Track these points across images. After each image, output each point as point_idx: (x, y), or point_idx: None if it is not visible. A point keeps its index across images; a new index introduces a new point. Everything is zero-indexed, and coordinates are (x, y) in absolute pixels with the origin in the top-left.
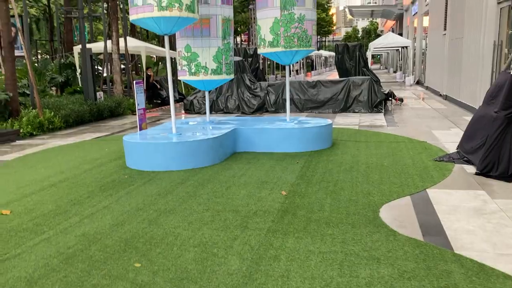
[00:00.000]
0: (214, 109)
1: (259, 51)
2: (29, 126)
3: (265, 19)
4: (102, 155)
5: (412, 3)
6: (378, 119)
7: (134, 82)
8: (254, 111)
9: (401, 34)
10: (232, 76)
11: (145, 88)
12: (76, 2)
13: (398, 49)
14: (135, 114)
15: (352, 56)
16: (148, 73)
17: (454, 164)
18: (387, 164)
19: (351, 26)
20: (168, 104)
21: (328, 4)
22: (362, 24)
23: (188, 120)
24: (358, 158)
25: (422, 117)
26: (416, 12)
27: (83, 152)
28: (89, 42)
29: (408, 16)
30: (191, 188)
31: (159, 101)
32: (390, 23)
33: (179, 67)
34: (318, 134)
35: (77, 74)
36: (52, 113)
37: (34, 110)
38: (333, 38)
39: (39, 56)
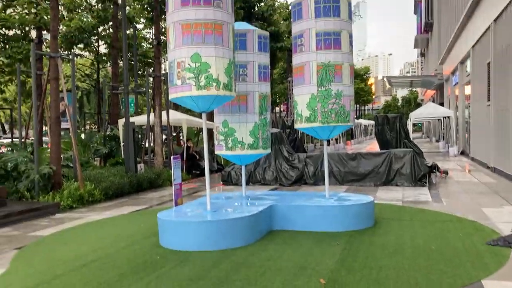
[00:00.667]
0: (251, 180)
1: (296, 126)
2: (70, 199)
3: (302, 95)
4: (137, 231)
5: (452, 73)
6: (422, 193)
7: (172, 157)
8: (292, 183)
9: (442, 104)
10: (268, 151)
11: (185, 158)
12: (123, 78)
13: (439, 118)
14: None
15: (392, 127)
16: (188, 145)
17: (511, 250)
18: (435, 247)
19: (390, 95)
20: None
21: (367, 75)
22: (401, 93)
23: (224, 194)
24: (403, 239)
25: (470, 192)
26: (457, 82)
27: (118, 228)
28: (135, 114)
29: (448, 86)
30: (224, 273)
31: (198, 172)
32: (431, 92)
33: (216, 142)
34: (359, 213)
35: (121, 145)
36: (93, 185)
37: (75, 183)
38: (372, 107)
39: (87, 127)
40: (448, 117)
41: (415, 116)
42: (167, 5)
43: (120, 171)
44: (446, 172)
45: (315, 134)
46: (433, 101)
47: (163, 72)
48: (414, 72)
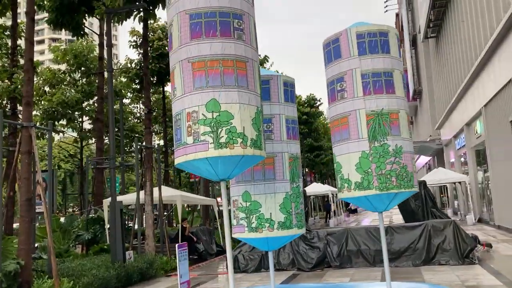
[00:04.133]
0: (263, 266)
1: (341, 195)
2: None
3: (348, 154)
4: None
5: (455, 137)
6: (480, 274)
7: (177, 246)
8: (314, 267)
9: None
10: (304, 230)
11: (180, 241)
12: (108, 153)
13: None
14: (169, 276)
15: (417, 195)
16: (184, 225)
17: None
18: None
19: None
20: (206, 259)
21: None
22: None
23: None
24: None
25: None
26: (464, 145)
27: None
28: (121, 193)
29: (450, 151)
30: None
31: (196, 256)
32: (425, 158)
33: (234, 221)
34: None
35: (106, 229)
36: (71, 282)
37: (49, 280)
38: None
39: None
40: (460, 182)
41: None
42: (170, 41)
43: (105, 261)
44: (489, 245)
45: (368, 206)
46: (429, 168)
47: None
48: None
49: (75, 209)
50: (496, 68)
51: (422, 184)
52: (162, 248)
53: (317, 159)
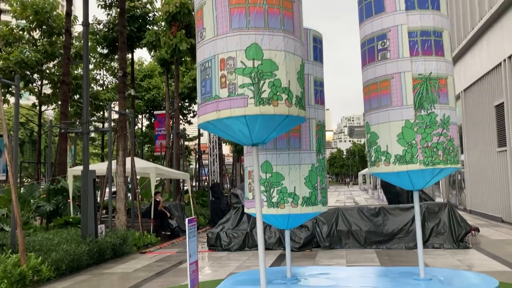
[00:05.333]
0: (247, 244)
1: (374, 170)
2: (5, 282)
3: (388, 123)
4: None
5: None
6: (481, 259)
7: (187, 220)
8: (301, 246)
9: None
10: (327, 208)
11: (152, 216)
12: (75, 120)
13: None
14: (144, 253)
15: None
16: (157, 199)
17: None
18: None
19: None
20: (179, 235)
21: None
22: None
23: (248, 274)
24: None
25: None
26: None
27: None
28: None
29: None
30: None
31: (169, 233)
32: None
33: (249, 195)
34: None
35: (69, 201)
36: (40, 258)
37: (14, 255)
38: None
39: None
40: None
41: None
42: None
43: (73, 235)
44: (477, 229)
45: (403, 182)
46: None
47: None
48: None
49: (24, 180)
50: (483, 52)
51: None
52: (133, 223)
53: None
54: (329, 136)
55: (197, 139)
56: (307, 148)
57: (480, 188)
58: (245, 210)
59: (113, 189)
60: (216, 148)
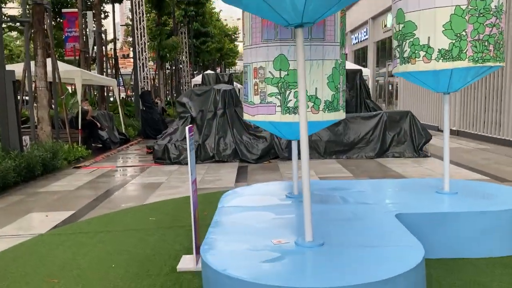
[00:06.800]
0: (200, 157)
1: (408, 68)
2: None
3: (433, 9)
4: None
5: (352, 32)
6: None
7: (187, 128)
8: (259, 158)
9: None
10: (344, 115)
11: (80, 127)
12: None
13: None
14: (79, 167)
15: (352, 85)
16: (85, 107)
17: None
18: None
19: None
20: (110, 148)
21: (236, 35)
22: None
23: (240, 192)
24: None
25: (494, 161)
26: (363, 40)
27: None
28: None
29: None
30: None
31: (100, 145)
32: None
33: (255, 99)
34: None
35: None
36: None
37: None
38: (235, 71)
39: None
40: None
41: None
42: None
43: None
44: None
45: (441, 84)
46: None
47: None
48: None
49: None
50: None
51: (358, 73)
52: (58, 135)
53: (203, 46)
54: (239, 47)
55: (113, 42)
56: (332, 39)
57: (414, 97)
58: (247, 118)
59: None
60: (145, 51)
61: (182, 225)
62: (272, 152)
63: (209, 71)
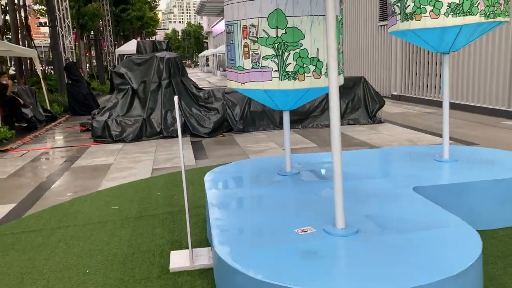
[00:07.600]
0: (146, 133)
1: (413, 25)
2: None
3: None
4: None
5: None
6: (406, 132)
7: (176, 98)
8: (212, 132)
9: None
10: (343, 80)
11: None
12: None
13: None
14: (5, 151)
15: None
16: (4, 82)
17: None
18: None
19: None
20: (36, 127)
21: (156, 3)
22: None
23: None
24: None
25: (469, 126)
26: None
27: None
28: None
29: None
30: None
31: (25, 124)
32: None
33: (244, 63)
34: None
35: None
36: None
37: None
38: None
39: None
40: None
41: None
42: None
43: None
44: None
45: (445, 42)
46: None
47: None
48: None
49: None
50: None
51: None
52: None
53: (123, 14)
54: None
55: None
56: None
57: (362, 64)
58: (235, 86)
59: None
60: (68, 18)
61: (153, 214)
62: (225, 124)
63: (145, 40)
